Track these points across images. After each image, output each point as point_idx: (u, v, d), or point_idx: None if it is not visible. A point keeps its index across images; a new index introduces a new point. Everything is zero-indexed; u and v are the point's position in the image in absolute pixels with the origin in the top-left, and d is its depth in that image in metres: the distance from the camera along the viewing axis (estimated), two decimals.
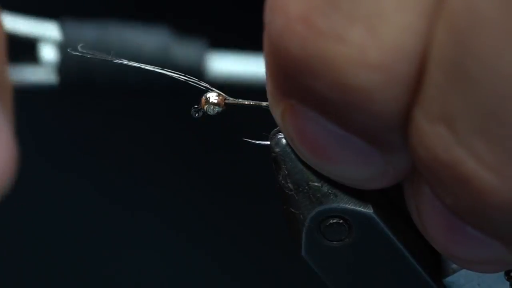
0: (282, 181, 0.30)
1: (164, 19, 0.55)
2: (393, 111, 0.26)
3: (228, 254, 0.56)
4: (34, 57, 0.50)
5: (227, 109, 0.32)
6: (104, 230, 0.57)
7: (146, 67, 0.31)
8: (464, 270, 0.31)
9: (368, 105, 0.26)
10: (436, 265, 0.31)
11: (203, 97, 0.31)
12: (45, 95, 0.56)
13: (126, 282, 0.56)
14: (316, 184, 0.30)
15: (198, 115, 0.31)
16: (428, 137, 0.26)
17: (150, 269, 0.56)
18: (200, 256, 0.56)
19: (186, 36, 0.54)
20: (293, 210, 0.30)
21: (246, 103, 0.32)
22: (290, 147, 0.30)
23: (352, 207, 0.30)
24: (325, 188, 0.30)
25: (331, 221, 0.30)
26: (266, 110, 0.30)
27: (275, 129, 0.31)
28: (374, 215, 0.30)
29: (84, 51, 0.30)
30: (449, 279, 0.31)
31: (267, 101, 0.30)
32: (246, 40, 0.50)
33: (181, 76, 0.31)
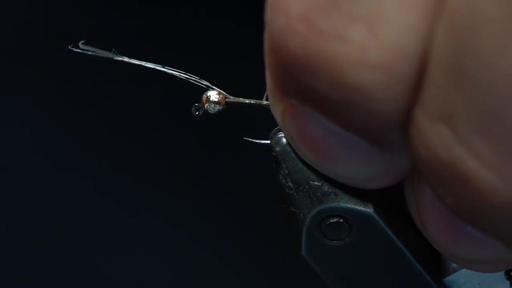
0: (283, 180, 0.30)
1: None
2: (394, 110, 0.26)
3: (228, 253, 0.56)
4: None
5: (227, 107, 0.32)
6: (105, 229, 0.57)
7: (147, 65, 0.31)
8: (464, 269, 0.31)
9: (369, 105, 0.26)
10: (436, 264, 0.31)
11: (204, 95, 0.31)
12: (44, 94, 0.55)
13: (126, 281, 0.56)
14: (316, 183, 0.30)
15: (198, 113, 0.31)
16: (429, 137, 0.25)
17: (151, 268, 0.56)
18: (200, 256, 0.56)
19: None
20: (293, 209, 0.30)
21: (247, 101, 0.32)
22: (291, 146, 0.30)
23: (352, 206, 0.30)
24: (326, 187, 0.30)
25: (331, 220, 0.30)
26: (266, 109, 0.30)
27: (276, 128, 0.31)
28: (374, 214, 0.30)
29: (85, 48, 0.30)
30: (449, 278, 0.31)
31: (267, 100, 0.30)
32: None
33: (182, 74, 0.31)
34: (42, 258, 0.57)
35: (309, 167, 0.30)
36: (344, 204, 0.30)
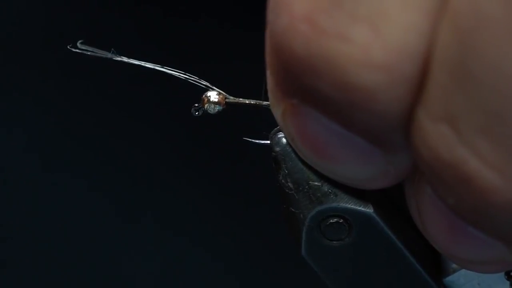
0: (282, 181, 0.30)
1: None
2: (396, 110, 0.26)
3: (227, 253, 0.55)
4: None
5: (227, 108, 0.32)
6: (104, 232, 0.56)
7: (146, 65, 0.31)
8: (464, 269, 0.31)
9: (371, 105, 0.25)
10: (436, 264, 0.31)
11: (204, 96, 0.31)
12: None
13: (125, 284, 0.56)
14: (316, 183, 0.30)
15: (198, 113, 0.31)
16: (431, 137, 0.25)
17: (150, 270, 0.56)
18: (199, 256, 0.55)
19: None
20: (293, 209, 0.30)
21: (247, 102, 0.32)
22: (291, 147, 0.30)
23: (352, 206, 0.30)
24: (325, 188, 0.30)
25: (331, 221, 0.30)
26: (266, 109, 0.30)
27: (275, 129, 0.30)
28: (374, 215, 0.30)
29: (84, 48, 0.30)
30: (449, 279, 0.31)
31: (267, 100, 0.29)
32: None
33: (181, 75, 0.31)
34: (41, 263, 0.56)
35: (309, 167, 0.30)
36: (344, 205, 0.30)
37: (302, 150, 0.29)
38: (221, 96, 0.31)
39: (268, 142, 0.31)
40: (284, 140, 0.30)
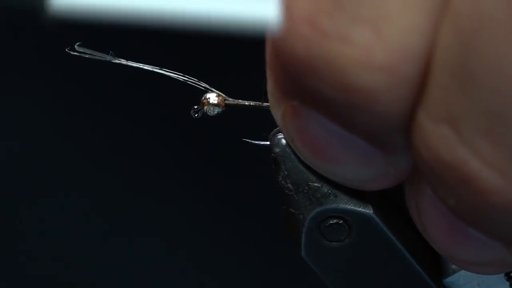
0: (282, 182, 0.30)
1: None
2: (397, 112, 0.26)
3: (227, 254, 0.55)
4: None
5: (226, 109, 0.31)
6: (100, 238, 0.56)
7: (145, 67, 0.30)
8: (464, 270, 0.31)
9: (373, 106, 0.25)
10: (436, 265, 0.31)
11: (203, 97, 0.31)
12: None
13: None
14: (316, 184, 0.30)
15: (197, 115, 0.31)
16: (432, 138, 0.25)
17: (146, 275, 0.55)
18: (199, 257, 0.55)
19: None
20: (292, 210, 0.30)
21: (246, 103, 0.31)
22: (290, 148, 0.30)
23: (352, 207, 0.30)
24: (325, 189, 0.30)
25: (331, 222, 0.30)
26: (266, 110, 0.30)
27: (275, 129, 0.30)
28: (374, 216, 0.29)
29: (82, 50, 0.29)
30: (449, 280, 0.31)
31: (267, 102, 0.29)
32: None
33: (180, 76, 0.31)
34: (30, 275, 0.56)
35: (309, 169, 0.30)
36: (343, 206, 0.30)
37: (302, 151, 0.29)
38: (220, 98, 0.31)
39: (268, 143, 0.30)
40: (283, 141, 0.30)
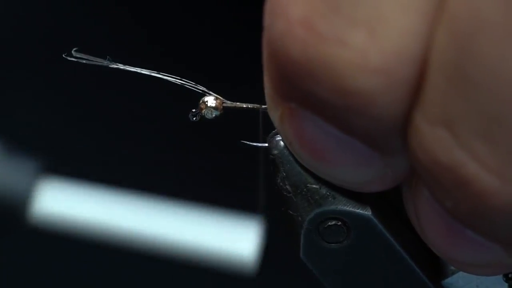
0: (280, 183, 0.30)
1: None
2: (394, 114, 0.25)
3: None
4: None
5: (224, 112, 0.31)
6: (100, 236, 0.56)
7: (142, 71, 0.30)
8: (462, 272, 0.30)
9: (369, 109, 0.25)
10: (434, 267, 0.31)
11: (201, 101, 0.31)
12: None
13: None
14: (314, 186, 0.29)
15: (196, 119, 0.31)
16: (428, 140, 0.25)
17: (146, 276, 0.55)
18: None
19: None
20: (291, 212, 0.30)
21: (244, 106, 0.31)
22: (288, 150, 0.29)
23: (350, 209, 0.29)
24: (324, 190, 0.29)
25: (329, 223, 0.29)
26: (264, 112, 0.30)
27: (273, 131, 0.30)
28: (372, 217, 0.29)
29: (79, 56, 0.29)
30: (447, 281, 0.30)
31: (265, 104, 0.29)
32: None
33: (177, 80, 0.30)
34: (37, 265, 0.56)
35: (307, 170, 0.29)
36: (342, 207, 0.29)
37: (300, 153, 0.29)
38: (218, 101, 0.31)
39: (266, 145, 0.30)
40: (282, 143, 0.30)
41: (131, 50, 0.56)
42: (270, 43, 0.26)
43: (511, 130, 0.23)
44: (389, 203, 0.31)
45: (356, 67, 0.24)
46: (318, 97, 0.26)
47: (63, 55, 0.29)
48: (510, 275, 0.30)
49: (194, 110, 0.31)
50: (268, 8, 0.26)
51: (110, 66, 0.30)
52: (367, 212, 0.29)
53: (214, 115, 0.31)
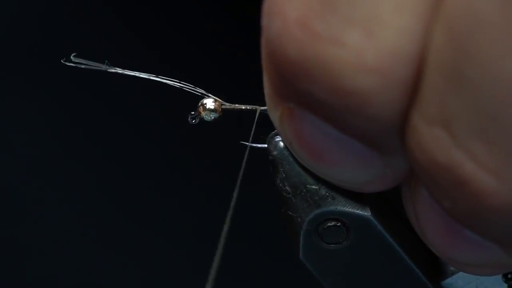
0: (280, 184, 0.29)
1: None
2: (391, 114, 0.25)
3: (225, 257, 0.55)
4: None
5: (223, 114, 0.31)
6: (100, 236, 0.56)
7: (141, 75, 0.30)
8: (462, 272, 0.30)
9: (366, 108, 0.25)
10: (434, 267, 0.30)
11: (200, 103, 0.30)
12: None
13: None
14: (313, 187, 0.29)
15: (195, 121, 0.30)
16: (426, 140, 0.24)
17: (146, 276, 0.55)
18: (198, 259, 0.55)
19: None
20: (290, 213, 0.29)
21: (243, 107, 0.31)
22: (288, 150, 0.29)
23: (350, 209, 0.29)
24: (323, 191, 0.29)
25: (329, 224, 0.29)
26: (263, 113, 0.29)
27: (273, 132, 0.29)
28: (372, 218, 0.29)
29: (78, 61, 0.29)
30: (447, 281, 0.30)
31: (264, 106, 0.29)
32: None
33: (176, 83, 0.30)
34: (38, 261, 0.56)
35: (307, 171, 0.29)
36: (341, 208, 0.29)
37: (299, 154, 0.28)
38: (217, 103, 0.30)
39: (266, 146, 0.30)
40: (281, 143, 0.29)
41: (129, 54, 0.55)
42: (267, 43, 0.26)
43: (507, 130, 0.23)
44: (389, 204, 0.30)
45: (352, 66, 0.24)
46: (315, 96, 0.25)
47: (62, 61, 0.29)
48: (509, 276, 0.29)
49: (193, 113, 0.30)
50: (265, 8, 0.26)
51: (108, 70, 0.29)
52: (367, 213, 0.29)
53: (213, 117, 0.30)
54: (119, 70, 0.29)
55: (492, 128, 0.23)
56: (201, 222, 0.55)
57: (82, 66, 0.29)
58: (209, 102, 0.30)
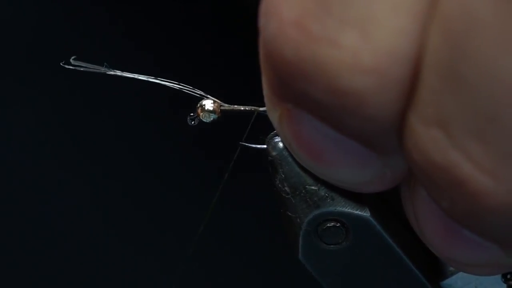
0: (279, 185, 0.29)
1: None
2: (388, 114, 0.24)
3: (225, 257, 0.54)
4: None
5: (222, 115, 0.30)
6: (100, 236, 0.56)
7: (140, 77, 0.29)
8: (461, 272, 0.29)
9: (362, 109, 0.24)
10: (433, 267, 0.30)
11: (198, 104, 0.30)
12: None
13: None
14: (313, 187, 0.29)
15: (194, 123, 0.30)
16: (423, 141, 0.24)
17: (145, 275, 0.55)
18: (197, 260, 0.55)
19: None
20: (290, 213, 0.29)
21: (242, 108, 0.30)
22: (287, 151, 0.29)
23: (349, 210, 0.29)
24: (322, 192, 0.29)
25: (328, 225, 0.29)
26: (262, 114, 0.29)
27: (272, 133, 0.29)
28: (371, 218, 0.28)
29: (77, 64, 0.29)
30: (446, 282, 0.30)
31: (263, 107, 0.28)
32: None
33: (175, 85, 0.30)
34: (37, 263, 0.56)
35: (306, 172, 0.29)
36: (341, 208, 0.29)
37: (298, 155, 0.28)
38: (216, 104, 0.30)
39: (265, 146, 0.29)
40: (280, 144, 0.29)
41: (127, 57, 0.55)
42: (265, 44, 0.26)
43: (504, 130, 0.22)
44: (388, 204, 0.30)
45: (348, 67, 0.24)
46: (312, 97, 0.25)
47: (61, 64, 0.29)
48: (508, 276, 0.29)
49: (192, 114, 0.30)
50: (262, 9, 0.25)
51: (107, 73, 0.29)
52: (366, 213, 0.28)
53: (212, 119, 0.30)
54: (118, 73, 0.29)
55: (488, 129, 0.23)
56: (200, 223, 0.55)
57: (81, 69, 0.29)
58: (208, 104, 0.30)
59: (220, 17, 0.56)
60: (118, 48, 0.56)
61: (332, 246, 0.29)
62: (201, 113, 0.30)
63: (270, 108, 0.28)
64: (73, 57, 0.29)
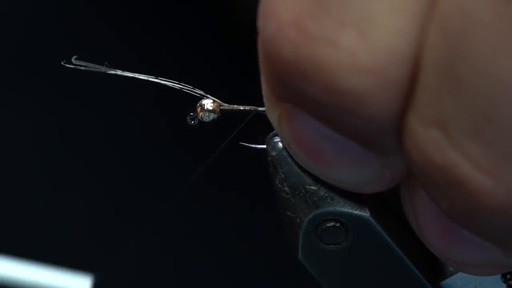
0: (279, 185, 0.29)
1: None
2: (386, 115, 0.24)
3: (225, 257, 0.54)
4: None
5: (222, 115, 0.30)
6: (100, 236, 0.55)
7: (140, 77, 0.29)
8: (461, 272, 0.29)
9: (361, 109, 0.24)
10: (433, 267, 0.30)
11: (198, 104, 0.30)
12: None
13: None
14: (312, 187, 0.28)
15: (194, 123, 0.30)
16: (422, 141, 0.24)
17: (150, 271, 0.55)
18: (197, 261, 0.54)
19: None
20: (289, 213, 0.29)
21: (241, 108, 0.30)
22: (287, 151, 0.29)
23: (348, 210, 0.28)
24: (322, 192, 0.28)
25: (328, 225, 0.28)
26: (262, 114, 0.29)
27: (272, 133, 0.29)
28: (370, 218, 0.28)
29: (78, 63, 0.28)
30: (446, 282, 0.29)
31: (262, 106, 0.28)
32: None
33: (175, 84, 0.30)
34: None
35: (305, 172, 0.28)
36: (340, 208, 0.28)
37: (297, 155, 0.28)
38: (215, 104, 0.30)
39: (265, 146, 0.29)
40: (280, 144, 0.29)
41: (127, 56, 0.55)
42: (263, 44, 0.26)
43: (502, 130, 0.22)
44: (388, 204, 0.30)
45: (346, 67, 0.23)
46: (310, 97, 0.25)
47: (62, 63, 0.29)
48: (508, 276, 0.29)
49: (191, 114, 0.30)
50: (261, 9, 0.25)
51: (108, 72, 0.29)
52: (365, 213, 0.28)
53: (211, 118, 0.30)
54: (119, 72, 0.29)
55: (487, 128, 0.22)
56: (199, 223, 0.54)
57: (82, 68, 0.29)
58: (208, 103, 0.30)
59: (220, 17, 0.56)
60: (117, 48, 0.56)
61: (331, 246, 0.29)
62: (201, 113, 0.30)
63: (269, 108, 0.28)
64: (74, 57, 0.28)
